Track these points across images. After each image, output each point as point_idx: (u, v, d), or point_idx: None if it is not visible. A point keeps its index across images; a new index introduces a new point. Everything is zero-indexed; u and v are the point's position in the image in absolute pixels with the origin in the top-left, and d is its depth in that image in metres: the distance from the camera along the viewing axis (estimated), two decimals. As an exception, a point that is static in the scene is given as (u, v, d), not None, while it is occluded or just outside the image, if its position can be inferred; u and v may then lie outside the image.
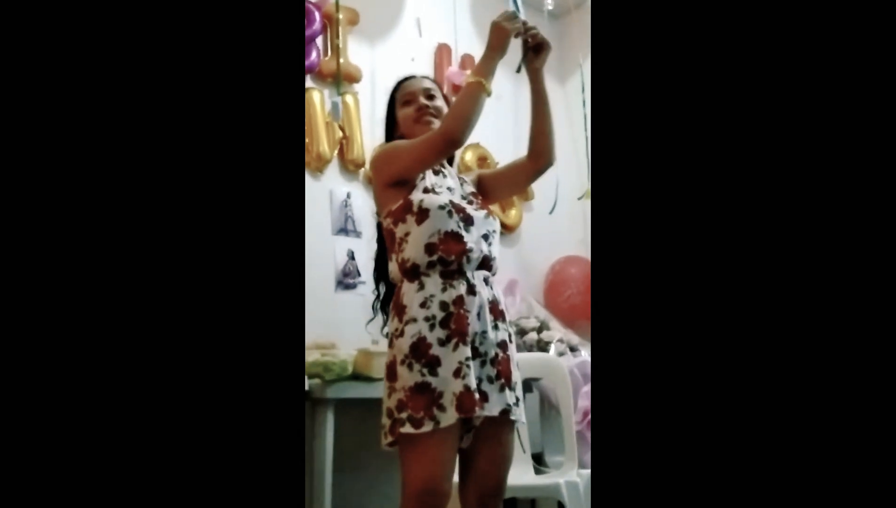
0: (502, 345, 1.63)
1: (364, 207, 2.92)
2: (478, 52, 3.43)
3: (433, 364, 1.54)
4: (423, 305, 1.59)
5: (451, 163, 1.89)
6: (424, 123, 1.81)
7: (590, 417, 2.39)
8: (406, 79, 1.95)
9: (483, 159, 3.35)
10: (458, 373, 1.53)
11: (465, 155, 3.29)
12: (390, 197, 1.69)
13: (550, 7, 3.26)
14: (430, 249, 1.62)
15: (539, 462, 2.43)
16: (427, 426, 1.50)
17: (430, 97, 1.86)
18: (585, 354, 2.56)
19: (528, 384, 2.50)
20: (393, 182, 1.70)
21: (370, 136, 3.01)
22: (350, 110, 2.96)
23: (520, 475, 2.30)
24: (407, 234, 1.66)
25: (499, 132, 3.49)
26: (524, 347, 2.58)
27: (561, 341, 2.56)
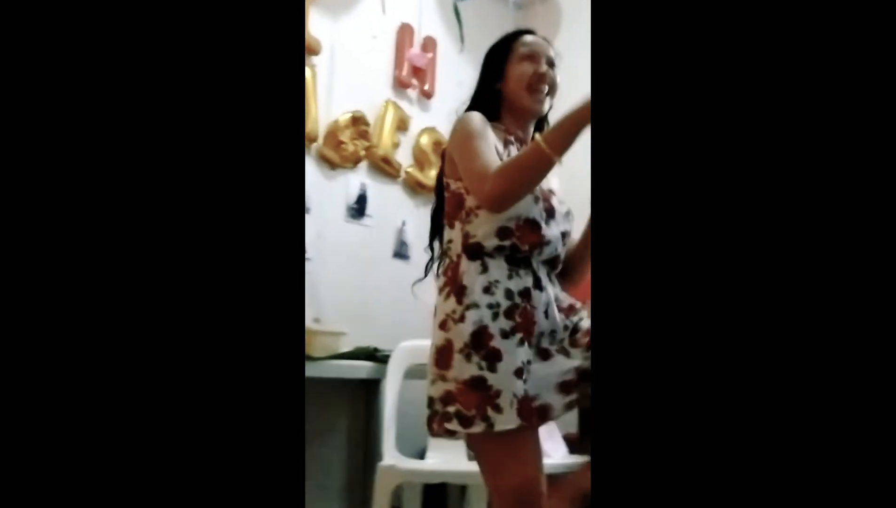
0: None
1: (315, 183, 2.87)
2: (442, 35, 3.42)
3: (493, 358, 1.38)
4: (486, 290, 1.44)
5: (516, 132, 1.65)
6: (536, 93, 1.62)
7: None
8: (528, 32, 1.72)
9: (438, 144, 3.34)
10: (520, 373, 1.39)
11: (420, 138, 3.27)
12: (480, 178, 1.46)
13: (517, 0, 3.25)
14: (503, 233, 1.47)
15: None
16: (477, 427, 1.36)
17: (552, 65, 1.68)
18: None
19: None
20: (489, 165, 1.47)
21: (325, 111, 2.96)
22: (307, 83, 2.91)
23: (451, 460, 2.32)
24: (479, 207, 1.49)
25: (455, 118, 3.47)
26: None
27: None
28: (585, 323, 1.53)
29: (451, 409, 1.38)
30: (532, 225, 1.49)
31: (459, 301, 1.44)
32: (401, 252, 3.18)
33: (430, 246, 1.67)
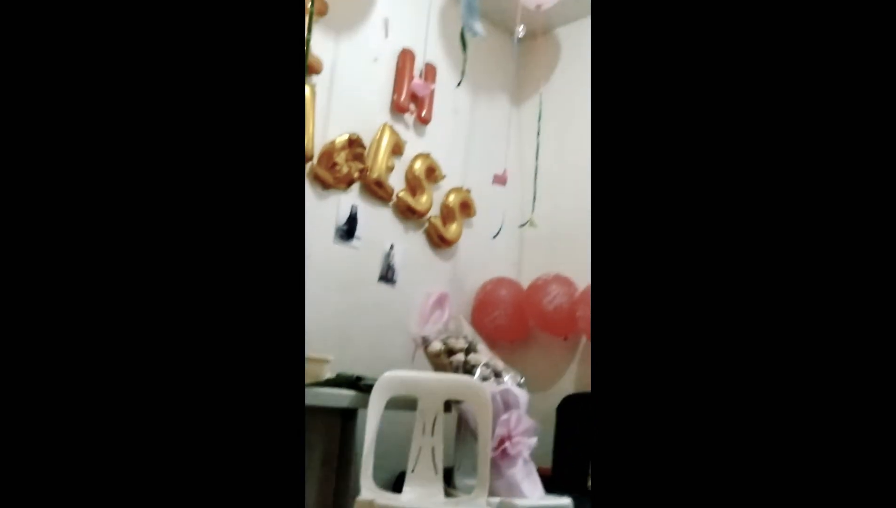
0: None
1: (306, 202, 2.85)
2: (442, 62, 3.43)
3: None
4: None
5: None
6: None
7: (505, 446, 2.40)
8: None
9: (431, 171, 3.33)
10: None
11: (414, 164, 3.26)
12: None
13: (521, 35, 3.26)
14: None
15: (448, 482, 2.42)
16: None
17: None
18: (509, 381, 2.57)
19: (448, 405, 2.49)
20: None
21: (322, 130, 2.94)
22: (306, 102, 2.89)
23: (429, 495, 2.29)
24: None
25: (450, 146, 3.48)
26: (451, 367, 2.57)
27: (486, 365, 2.56)
28: None
29: None
30: None
31: None
32: (387, 276, 3.16)
33: None
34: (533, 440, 2.51)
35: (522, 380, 2.66)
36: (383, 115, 3.21)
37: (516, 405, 2.49)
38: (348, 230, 3.03)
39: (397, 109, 3.24)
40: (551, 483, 2.74)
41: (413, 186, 3.26)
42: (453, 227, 3.43)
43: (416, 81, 3.25)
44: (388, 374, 2.38)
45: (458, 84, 3.20)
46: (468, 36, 2.97)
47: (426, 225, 3.32)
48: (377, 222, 3.14)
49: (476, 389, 2.38)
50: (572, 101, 3.49)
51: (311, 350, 2.46)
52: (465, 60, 3.06)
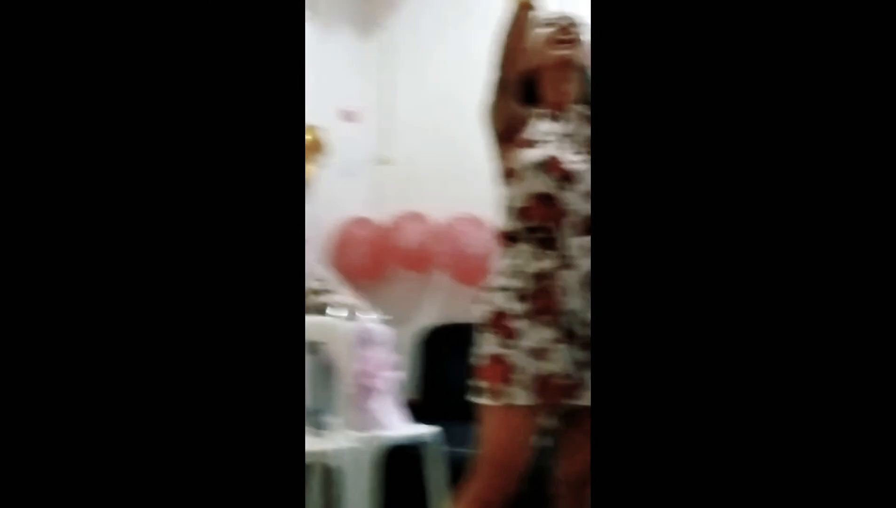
0: None
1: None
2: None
3: (512, 338, 1.46)
4: (512, 275, 1.50)
5: (587, 97, 1.59)
6: (562, 45, 1.54)
7: (366, 382, 2.43)
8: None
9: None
10: (541, 354, 1.45)
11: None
12: (500, 157, 1.57)
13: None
14: (522, 214, 1.51)
15: (314, 422, 2.43)
16: (495, 401, 1.44)
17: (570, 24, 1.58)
18: (366, 318, 2.58)
19: (312, 347, 2.47)
20: (497, 138, 1.56)
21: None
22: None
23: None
24: (509, 198, 1.55)
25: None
26: (310, 310, 2.55)
27: (342, 304, 2.57)
28: None
29: (480, 384, 1.48)
30: (546, 199, 1.49)
31: (490, 287, 1.54)
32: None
33: None
34: (396, 374, 2.55)
35: (383, 317, 2.68)
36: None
37: (376, 342, 2.51)
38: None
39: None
40: (421, 413, 2.81)
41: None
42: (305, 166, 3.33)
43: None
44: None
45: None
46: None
47: (277, 165, 3.21)
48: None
49: (331, 328, 2.38)
50: (429, 36, 3.45)
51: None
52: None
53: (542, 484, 1.59)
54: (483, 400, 1.47)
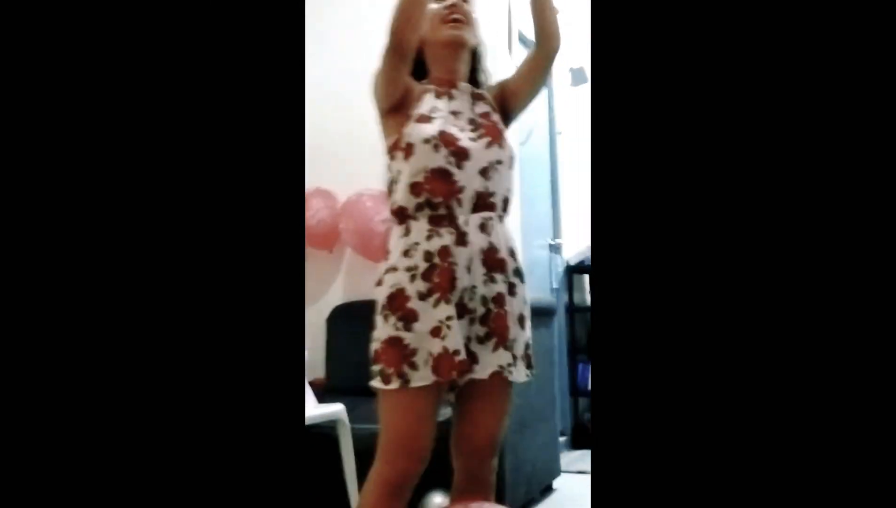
0: (497, 300, 1.50)
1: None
2: None
3: (409, 319, 1.44)
4: (406, 253, 1.48)
5: (475, 75, 1.63)
6: (452, 24, 1.54)
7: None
8: None
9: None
10: (436, 332, 1.44)
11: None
12: (387, 130, 1.53)
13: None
14: (415, 189, 1.48)
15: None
16: (395, 384, 1.43)
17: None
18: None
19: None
20: (384, 110, 1.53)
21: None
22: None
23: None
24: (398, 172, 1.51)
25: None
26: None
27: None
28: (513, 292, 1.55)
29: (377, 367, 1.47)
30: (440, 174, 1.48)
31: (384, 263, 1.52)
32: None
33: None
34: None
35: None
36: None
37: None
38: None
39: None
40: (327, 393, 2.78)
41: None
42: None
43: None
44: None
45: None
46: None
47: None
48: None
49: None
50: (327, 6, 3.37)
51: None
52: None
53: (445, 459, 1.61)
54: (382, 385, 1.47)
